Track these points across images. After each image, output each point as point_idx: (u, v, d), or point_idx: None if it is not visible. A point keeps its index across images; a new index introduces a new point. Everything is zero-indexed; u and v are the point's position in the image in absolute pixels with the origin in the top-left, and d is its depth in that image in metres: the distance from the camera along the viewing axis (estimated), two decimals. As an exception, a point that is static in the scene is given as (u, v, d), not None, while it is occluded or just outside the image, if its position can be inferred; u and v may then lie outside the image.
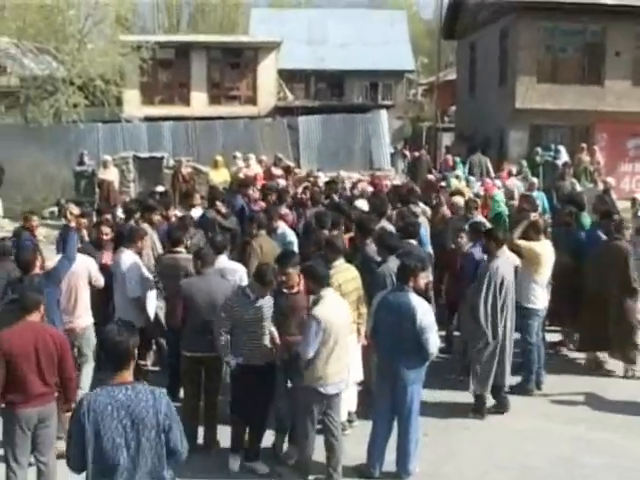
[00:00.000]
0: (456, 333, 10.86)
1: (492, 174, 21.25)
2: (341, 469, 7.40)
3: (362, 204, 12.90)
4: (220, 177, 19.56)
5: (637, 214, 13.33)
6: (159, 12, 56.60)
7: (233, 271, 9.09)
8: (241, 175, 18.76)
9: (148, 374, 9.66)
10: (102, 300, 9.41)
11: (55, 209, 21.19)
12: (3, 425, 6.65)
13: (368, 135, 25.96)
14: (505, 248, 9.32)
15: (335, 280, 7.77)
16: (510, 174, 19.03)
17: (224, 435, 8.05)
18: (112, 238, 10.28)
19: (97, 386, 5.00)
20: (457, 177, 18.29)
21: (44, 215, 20.84)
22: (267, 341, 7.56)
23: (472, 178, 18.74)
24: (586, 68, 26.21)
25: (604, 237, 10.91)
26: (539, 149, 22.79)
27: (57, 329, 7.19)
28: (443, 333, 9.97)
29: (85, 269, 9.06)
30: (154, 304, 9.75)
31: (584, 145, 22.70)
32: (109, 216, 11.84)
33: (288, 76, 40.62)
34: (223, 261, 9.06)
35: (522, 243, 9.87)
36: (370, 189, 16.26)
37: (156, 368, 10.17)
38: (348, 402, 8.20)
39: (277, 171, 19.81)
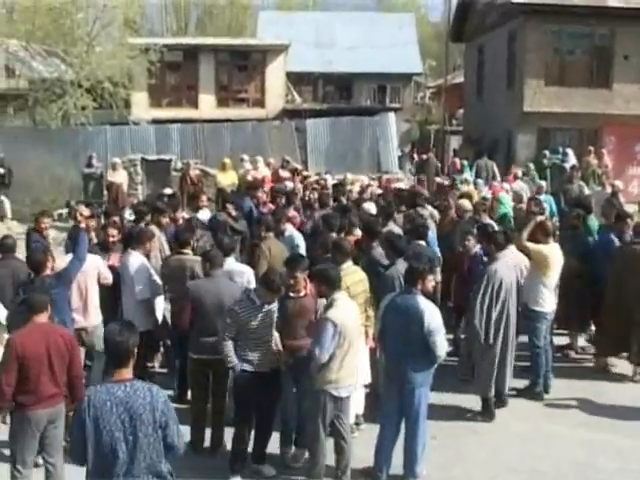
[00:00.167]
0: (463, 336, 10.84)
1: (498, 178, 21.24)
2: (350, 472, 7.39)
3: (370, 207, 12.90)
4: (228, 180, 19.58)
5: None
6: (167, 15, 56.77)
7: (241, 273, 9.08)
8: (249, 178, 18.79)
9: (155, 376, 9.68)
10: (110, 302, 9.42)
11: (64, 211, 21.22)
12: (13, 426, 6.63)
13: (376, 138, 26.00)
14: (507, 251, 9.33)
15: (344, 282, 7.75)
16: (516, 177, 18.99)
17: (231, 438, 8.05)
18: (120, 240, 10.31)
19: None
20: (465, 180, 18.26)
21: (53, 217, 20.88)
22: (273, 347, 7.53)
23: (480, 181, 18.73)
24: (594, 71, 26.13)
25: (616, 240, 10.89)
26: (547, 152, 22.76)
27: (66, 329, 7.20)
28: (451, 336, 9.94)
29: (95, 268, 9.14)
30: (162, 306, 9.77)
31: (591, 148, 22.67)
32: (117, 218, 11.87)
33: (296, 79, 40.69)
34: (231, 263, 9.06)
35: (530, 246, 9.85)
36: (379, 192, 16.25)
37: (163, 370, 10.17)
38: (356, 405, 8.18)
39: (285, 173, 19.82)
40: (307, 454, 7.76)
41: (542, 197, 15.26)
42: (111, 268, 9.61)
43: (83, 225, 10.43)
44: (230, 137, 25.53)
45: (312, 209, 13.15)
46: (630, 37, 25.40)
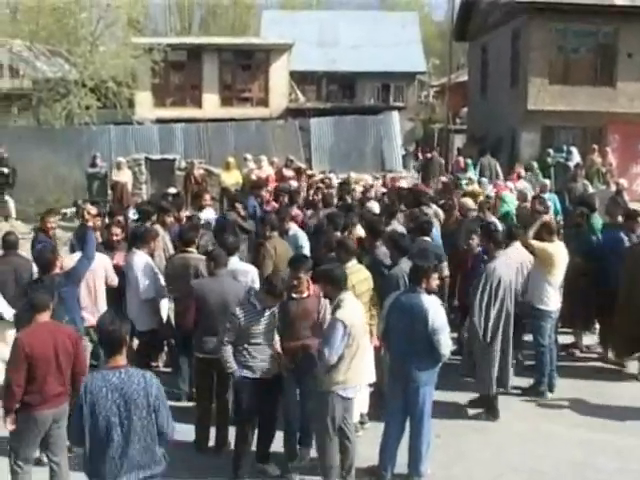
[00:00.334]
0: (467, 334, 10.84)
1: (501, 176, 21.23)
2: (354, 471, 7.39)
3: (373, 206, 12.89)
4: (232, 179, 19.60)
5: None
6: (171, 15, 56.73)
7: (245, 272, 9.07)
8: (253, 177, 18.80)
9: (159, 376, 9.66)
10: (114, 301, 9.43)
11: (68, 210, 21.23)
12: (18, 425, 6.60)
13: (380, 137, 26.01)
14: (512, 248, 9.31)
15: (349, 281, 7.71)
16: (519, 176, 18.97)
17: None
18: (124, 239, 10.32)
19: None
20: (469, 179, 18.24)
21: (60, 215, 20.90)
22: (274, 352, 7.45)
23: (484, 179, 18.70)
24: (598, 69, 26.08)
25: (625, 239, 10.87)
26: (551, 150, 22.75)
27: (71, 328, 7.20)
28: (455, 335, 9.94)
29: (103, 268, 9.24)
30: (166, 305, 9.77)
31: (595, 146, 22.64)
32: (120, 218, 11.88)
33: (299, 78, 40.69)
34: (234, 262, 9.04)
35: (535, 244, 9.83)
36: (383, 190, 16.25)
37: (167, 370, 10.17)
38: (360, 404, 8.17)
39: (289, 172, 19.82)
40: (312, 452, 7.77)
41: (546, 195, 15.25)
42: (116, 267, 9.65)
43: (91, 224, 10.45)
44: (234, 136, 25.55)
45: (316, 208, 13.14)
46: (634, 35, 25.34)
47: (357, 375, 7.26)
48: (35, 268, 9.64)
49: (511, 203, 14.50)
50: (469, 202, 12.65)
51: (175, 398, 9.07)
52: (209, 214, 12.93)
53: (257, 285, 8.64)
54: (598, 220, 12.29)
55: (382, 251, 9.34)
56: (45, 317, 6.71)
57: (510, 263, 9.25)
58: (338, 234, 10.06)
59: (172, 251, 10.43)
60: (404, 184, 17.91)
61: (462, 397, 9.55)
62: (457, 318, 10.86)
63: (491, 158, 23.00)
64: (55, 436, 6.79)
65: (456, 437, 8.57)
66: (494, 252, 9.06)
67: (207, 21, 57.68)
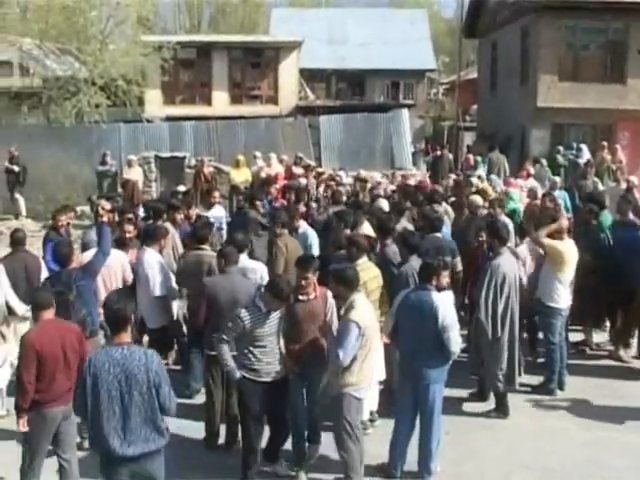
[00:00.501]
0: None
1: (508, 172, 21.20)
2: (362, 469, 7.36)
3: (382, 204, 12.88)
4: (241, 176, 19.65)
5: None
6: (180, 13, 56.85)
7: (254, 270, 9.08)
8: (263, 174, 18.82)
9: (169, 373, 9.67)
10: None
11: (78, 209, 21.29)
12: (28, 424, 6.58)
13: (389, 134, 26.00)
14: (522, 246, 9.30)
15: (361, 278, 7.69)
16: (529, 174, 18.90)
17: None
18: (136, 236, 10.36)
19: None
20: (479, 177, 18.19)
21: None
22: (279, 355, 7.33)
23: (494, 177, 18.64)
24: (608, 66, 25.98)
25: None
26: (561, 148, 22.68)
27: (74, 325, 7.17)
28: (465, 332, 9.92)
29: (119, 264, 9.34)
30: (177, 303, 9.79)
31: (605, 143, 22.55)
32: (131, 215, 11.89)
33: (309, 76, 40.64)
34: (244, 260, 9.04)
35: (545, 241, 9.80)
36: (392, 188, 16.23)
37: (177, 367, 10.19)
38: (370, 401, 8.17)
39: (298, 170, 19.83)
40: (320, 450, 7.78)
41: (556, 193, 15.21)
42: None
43: (105, 219, 10.48)
44: (243, 134, 25.59)
45: (320, 203, 13.14)
46: (644, 32, 25.25)
47: (368, 376, 7.27)
48: (44, 265, 9.72)
49: (517, 200, 14.46)
50: (478, 199, 12.61)
51: (186, 396, 9.10)
52: (219, 212, 12.94)
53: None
54: (607, 217, 12.23)
55: (392, 249, 9.33)
56: (49, 314, 6.73)
57: (513, 260, 9.24)
58: (348, 231, 10.06)
59: (181, 249, 10.45)
60: (413, 182, 17.89)
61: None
62: (467, 315, 10.84)
63: (499, 154, 22.96)
64: (64, 433, 6.79)
65: (466, 434, 8.57)
66: (499, 249, 9.04)
67: (216, 19, 57.76)
